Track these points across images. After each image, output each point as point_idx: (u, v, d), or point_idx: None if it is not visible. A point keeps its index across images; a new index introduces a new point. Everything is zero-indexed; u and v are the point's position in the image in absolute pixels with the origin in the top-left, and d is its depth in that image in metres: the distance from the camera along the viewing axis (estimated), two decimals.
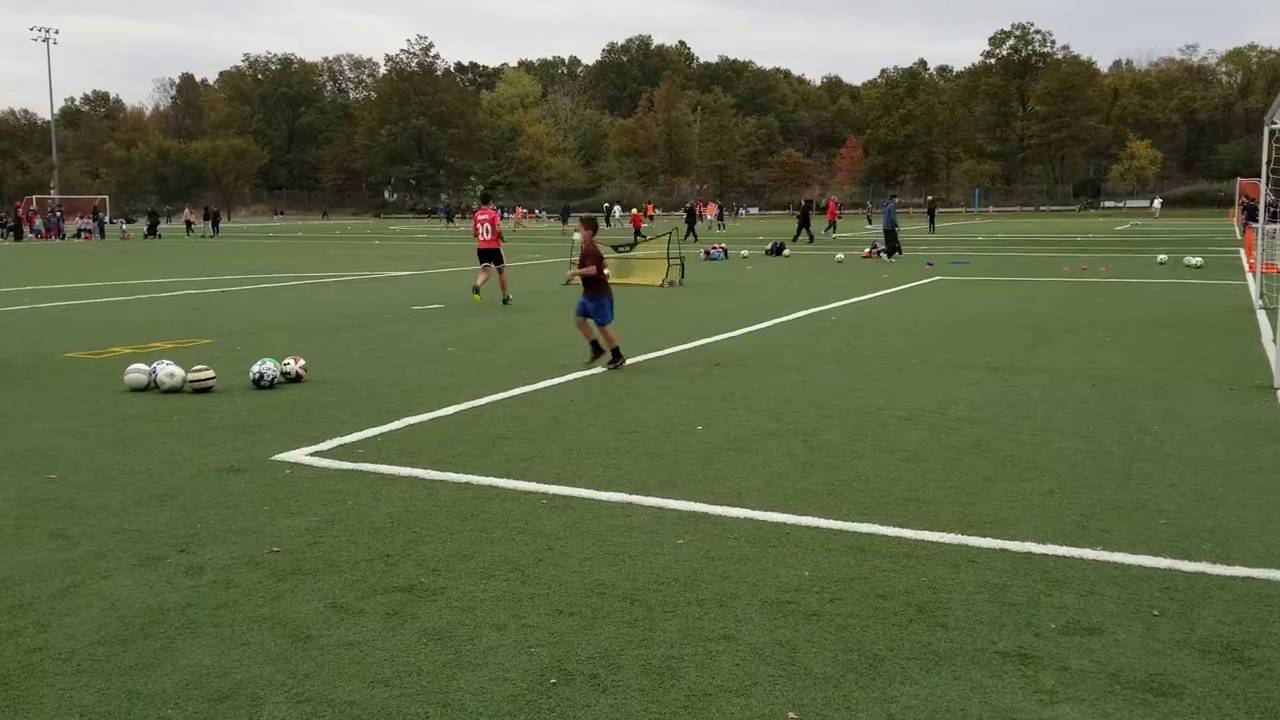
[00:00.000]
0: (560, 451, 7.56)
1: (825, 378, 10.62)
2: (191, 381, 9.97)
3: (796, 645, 4.30)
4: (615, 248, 24.42)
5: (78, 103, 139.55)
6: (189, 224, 64.84)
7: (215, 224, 61.63)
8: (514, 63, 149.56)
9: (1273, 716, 3.70)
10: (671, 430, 8.22)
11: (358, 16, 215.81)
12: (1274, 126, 14.41)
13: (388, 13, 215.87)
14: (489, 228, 18.75)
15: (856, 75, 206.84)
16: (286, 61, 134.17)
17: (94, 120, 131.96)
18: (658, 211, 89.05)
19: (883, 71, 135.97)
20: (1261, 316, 15.21)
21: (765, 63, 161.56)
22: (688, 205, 56.36)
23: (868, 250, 32.93)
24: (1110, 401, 9.28)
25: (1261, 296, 16.67)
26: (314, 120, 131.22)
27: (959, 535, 5.63)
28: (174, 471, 7.08)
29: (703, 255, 32.60)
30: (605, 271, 11.60)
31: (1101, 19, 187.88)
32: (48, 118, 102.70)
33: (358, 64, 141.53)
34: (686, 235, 43.13)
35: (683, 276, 22.86)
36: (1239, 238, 40.78)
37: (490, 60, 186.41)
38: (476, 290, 18.62)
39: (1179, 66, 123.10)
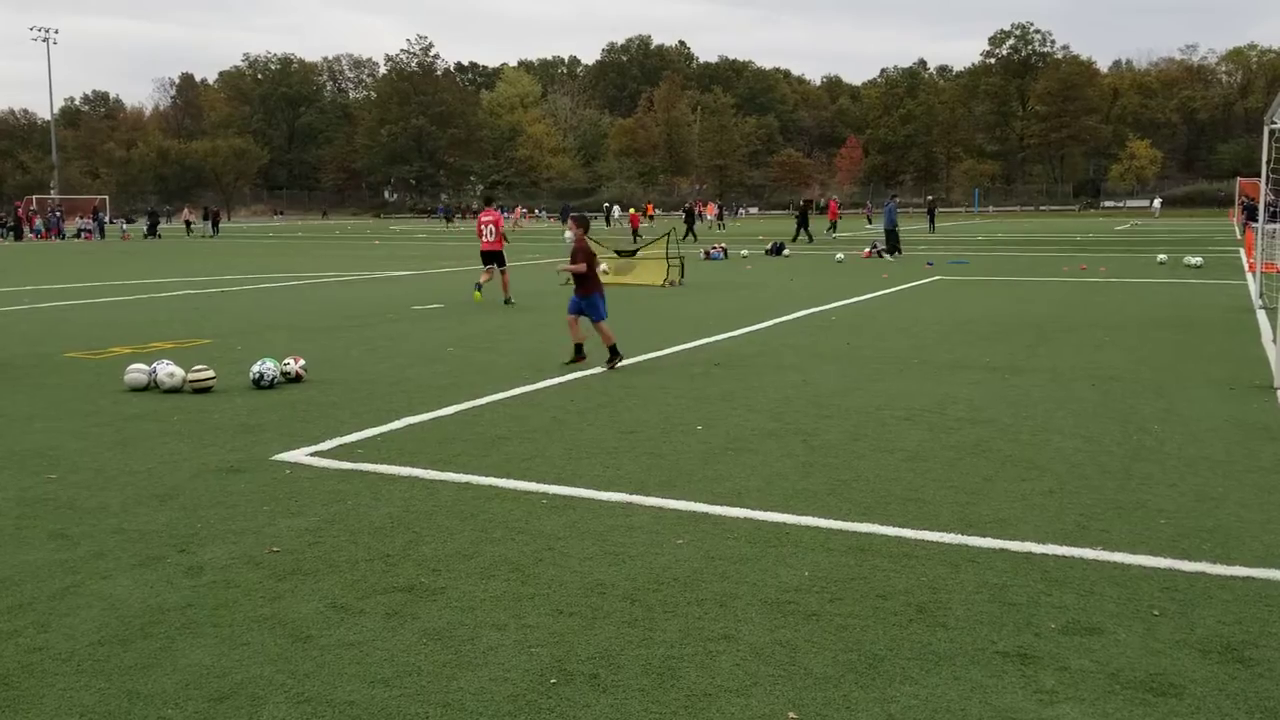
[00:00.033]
0: (560, 451, 7.56)
1: (825, 378, 10.62)
2: (191, 381, 9.98)
3: (796, 645, 4.30)
4: (619, 253, 24.43)
5: (77, 103, 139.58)
6: (188, 224, 64.89)
7: (215, 224, 61.65)
8: (514, 62, 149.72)
9: (1273, 716, 3.70)
10: (671, 430, 8.22)
11: (358, 16, 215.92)
12: (1274, 126, 14.41)
13: (388, 13, 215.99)
14: (493, 229, 18.82)
15: (856, 75, 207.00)
16: (286, 61, 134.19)
17: (94, 120, 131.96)
18: (658, 211, 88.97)
19: (883, 71, 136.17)
20: (1261, 316, 15.22)
21: (765, 63, 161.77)
22: (686, 205, 56.34)
23: (867, 250, 32.94)
24: (1110, 401, 9.28)
25: (1261, 296, 16.68)
26: (314, 120, 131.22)
27: (959, 535, 5.63)
28: (174, 471, 7.08)
29: (703, 255, 32.60)
30: (603, 266, 11.61)
31: (1101, 19, 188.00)
32: (47, 118, 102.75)
33: (358, 64, 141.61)
34: (685, 235, 43.11)
35: (682, 276, 22.86)
36: (1239, 237, 40.78)
37: (490, 60, 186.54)
38: (479, 287, 18.76)
39: (1179, 66, 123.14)
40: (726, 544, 5.54)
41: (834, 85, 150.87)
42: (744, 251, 34.23)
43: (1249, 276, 21.84)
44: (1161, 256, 29.21)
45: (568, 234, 11.71)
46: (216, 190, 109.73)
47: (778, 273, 26.42)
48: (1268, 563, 5.19)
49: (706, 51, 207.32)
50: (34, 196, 75.77)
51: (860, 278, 23.98)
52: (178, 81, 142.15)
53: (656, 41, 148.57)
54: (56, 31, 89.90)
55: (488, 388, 10.09)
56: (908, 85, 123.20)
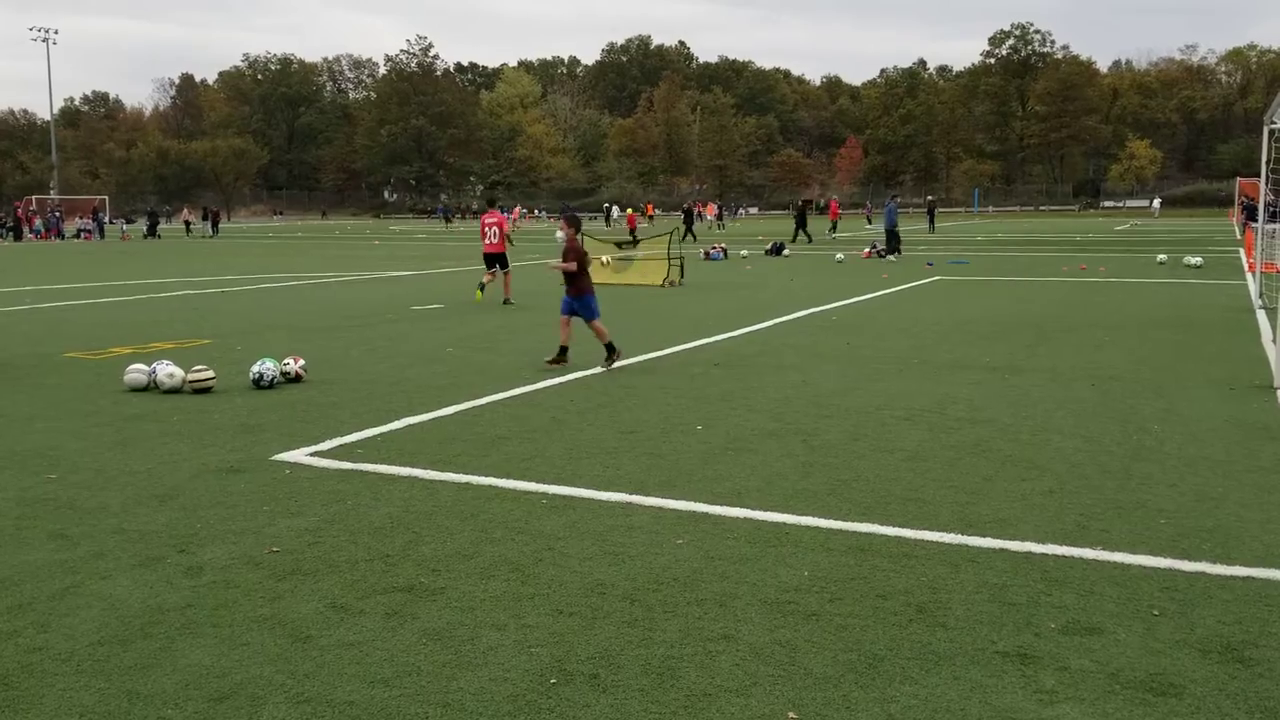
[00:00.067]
0: (560, 451, 7.56)
1: (825, 378, 10.62)
2: (191, 382, 9.97)
3: (796, 645, 4.30)
4: (619, 244, 24.49)
5: (77, 103, 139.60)
6: (188, 224, 64.89)
7: (215, 224, 61.66)
8: (513, 63, 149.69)
9: (1273, 716, 3.70)
10: (671, 430, 8.22)
11: (357, 16, 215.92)
12: (1273, 126, 14.42)
13: (387, 13, 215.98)
14: (496, 231, 18.87)
15: (856, 75, 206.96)
16: (286, 61, 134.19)
17: (93, 120, 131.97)
18: (657, 211, 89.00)
19: (882, 71, 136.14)
20: (1261, 316, 15.22)
21: (765, 63, 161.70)
22: (685, 206, 56.34)
23: (867, 250, 32.95)
24: (1110, 401, 9.28)
25: (1261, 296, 16.68)
26: (313, 120, 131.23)
27: (959, 535, 5.63)
28: (174, 471, 7.08)
29: (702, 255, 32.60)
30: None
31: (1101, 19, 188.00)
32: (47, 118, 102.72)
33: (357, 64, 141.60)
34: (684, 236, 43.07)
35: (682, 276, 22.87)
36: (1238, 237, 40.79)
37: (490, 60, 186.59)
38: (481, 288, 18.87)
39: (1178, 66, 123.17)
40: (726, 544, 5.54)
41: (834, 85, 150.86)
42: (744, 252, 34.23)
43: (1249, 276, 21.84)
44: (1161, 256, 29.22)
45: (559, 234, 11.72)
46: (216, 190, 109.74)
47: (778, 273, 26.42)
48: (1268, 563, 5.19)
49: (706, 51, 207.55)
50: (34, 197, 75.77)
51: (860, 278, 23.98)
52: (177, 82, 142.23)
53: (656, 41, 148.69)
54: (56, 32, 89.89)
55: (487, 388, 10.09)
56: (907, 85, 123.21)
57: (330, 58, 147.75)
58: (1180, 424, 8.32)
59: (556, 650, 4.26)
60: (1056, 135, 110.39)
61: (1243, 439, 7.80)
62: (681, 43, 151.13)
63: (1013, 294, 19.91)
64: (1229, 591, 4.84)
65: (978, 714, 3.72)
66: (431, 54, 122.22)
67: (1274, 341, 11.45)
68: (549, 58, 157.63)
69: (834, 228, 50.66)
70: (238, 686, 3.96)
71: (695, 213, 53.21)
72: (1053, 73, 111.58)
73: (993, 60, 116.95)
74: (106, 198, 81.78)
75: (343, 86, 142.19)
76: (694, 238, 44.46)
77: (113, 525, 5.92)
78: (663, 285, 22.29)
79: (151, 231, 59.36)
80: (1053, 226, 61.14)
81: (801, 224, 43.78)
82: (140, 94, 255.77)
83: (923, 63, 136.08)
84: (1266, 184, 14.92)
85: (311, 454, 7.52)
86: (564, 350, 11.35)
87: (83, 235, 58.61)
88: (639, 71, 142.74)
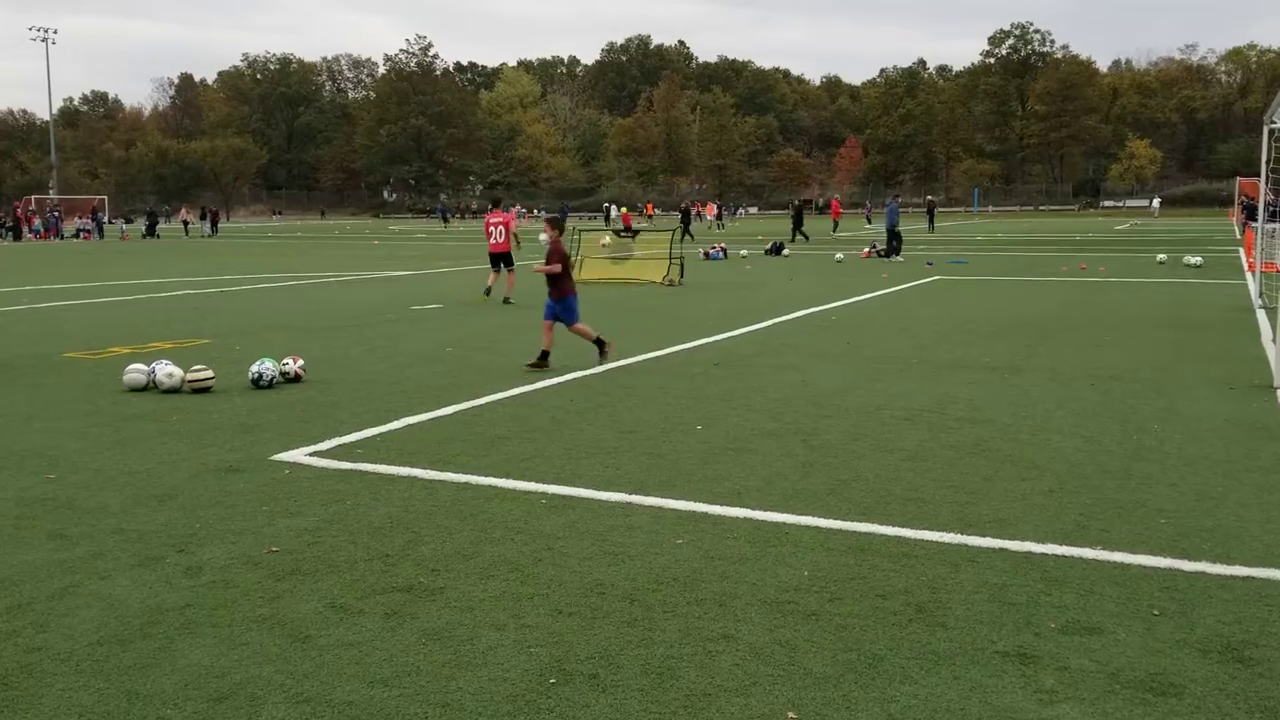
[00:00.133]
0: (560, 451, 7.55)
1: (825, 377, 10.61)
2: (190, 381, 9.97)
3: (796, 645, 4.29)
4: (617, 232, 24.53)
5: (76, 103, 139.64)
6: (186, 224, 64.87)
7: (214, 224, 61.67)
8: (513, 62, 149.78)
9: (1273, 716, 3.70)
10: (671, 430, 8.21)
11: (357, 16, 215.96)
12: (1273, 126, 14.42)
13: (387, 12, 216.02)
14: (502, 230, 18.92)
15: (856, 75, 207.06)
16: (285, 61, 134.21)
17: (93, 120, 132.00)
18: (657, 211, 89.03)
19: (882, 71, 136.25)
20: (1261, 316, 15.22)
21: (765, 62, 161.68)
22: (682, 205, 56.33)
23: (867, 250, 32.95)
24: (1110, 401, 9.27)
25: (1261, 296, 16.68)
26: (313, 120, 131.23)
27: (959, 535, 5.63)
28: (173, 471, 7.07)
29: (702, 255, 32.60)
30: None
31: (1101, 19, 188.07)
32: (46, 118, 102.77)
33: (356, 64, 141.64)
34: (682, 237, 43.01)
35: (682, 276, 22.86)
36: (1238, 237, 40.80)
37: (489, 60, 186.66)
38: (488, 291, 18.97)
39: (1178, 66, 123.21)
40: (726, 544, 5.54)
41: (833, 85, 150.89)
42: (743, 251, 34.23)
43: (1248, 276, 21.84)
44: (1161, 256, 29.22)
45: (543, 236, 11.73)
46: (215, 190, 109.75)
47: (777, 273, 26.41)
48: (1268, 562, 5.19)
49: (706, 51, 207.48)
50: (33, 197, 75.81)
51: (860, 278, 23.98)
52: (176, 81, 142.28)
53: (656, 41, 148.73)
54: (55, 31, 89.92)
55: (487, 387, 10.09)
56: (907, 85, 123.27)
57: (329, 57, 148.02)
58: (1180, 424, 8.31)
59: (556, 650, 4.26)
60: (1056, 135, 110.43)
61: (1243, 439, 7.79)
62: (681, 42, 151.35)
63: (1012, 294, 19.91)
64: (1229, 591, 4.83)
65: (978, 714, 3.72)
66: (431, 54, 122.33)
67: (1274, 341, 11.45)
68: (548, 57, 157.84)
69: (835, 227, 50.63)
70: (237, 686, 3.96)
71: (694, 213, 53.18)
72: (1052, 72, 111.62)
73: (993, 60, 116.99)
74: (105, 198, 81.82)
75: (342, 86, 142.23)
76: (691, 238, 44.34)
77: (112, 525, 5.91)
78: (662, 283, 22.28)
79: (150, 231, 59.34)
80: (1052, 226, 61.15)
81: (798, 224, 43.76)
82: (139, 94, 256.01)
83: (922, 62, 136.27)
84: (1266, 184, 14.92)
85: (311, 454, 7.52)
86: (545, 355, 11.23)
87: (82, 235, 58.60)
88: (639, 71, 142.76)
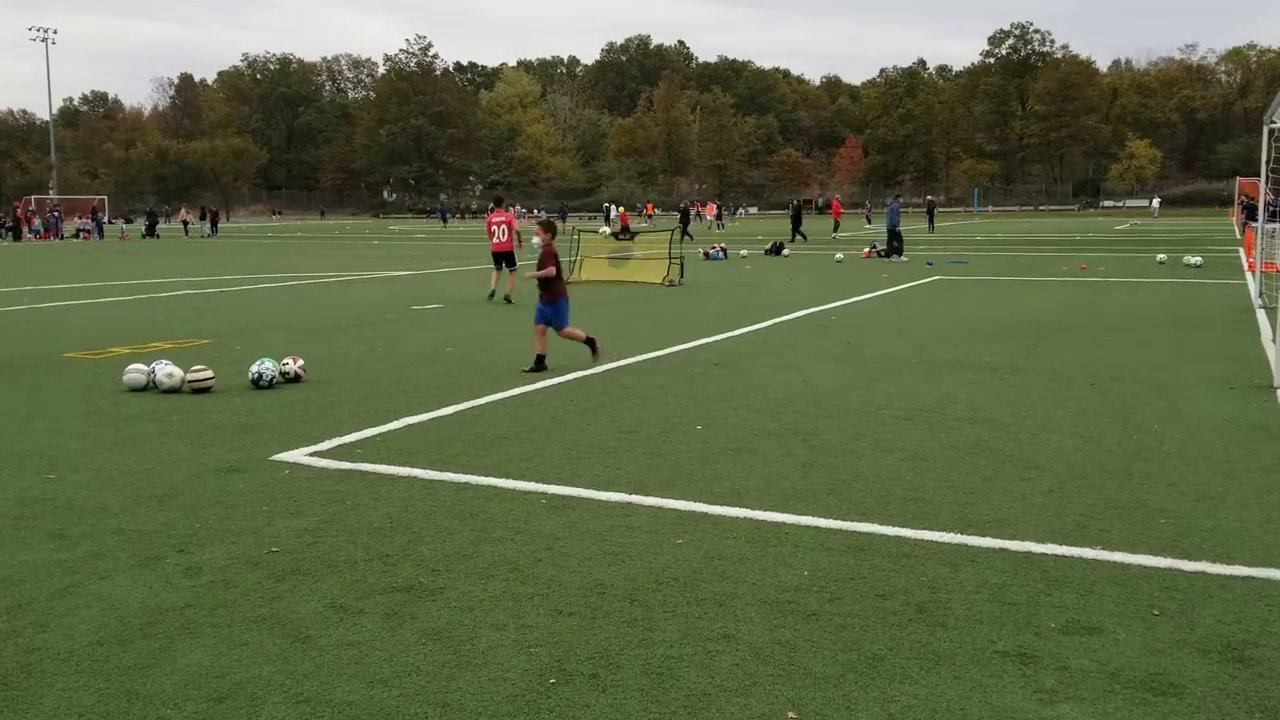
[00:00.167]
0: (560, 451, 7.55)
1: (825, 377, 10.61)
2: (190, 381, 9.97)
3: (796, 645, 4.29)
4: (615, 235, 24.53)
5: (76, 103, 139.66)
6: (185, 224, 64.89)
7: (214, 224, 61.68)
8: (513, 62, 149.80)
9: (1273, 716, 3.70)
10: (671, 430, 8.21)
11: (356, 16, 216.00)
12: (1273, 125, 14.42)
13: (386, 12, 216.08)
14: (505, 230, 18.96)
15: (856, 75, 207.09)
16: (285, 61, 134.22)
17: (92, 120, 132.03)
18: (657, 211, 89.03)
19: (882, 71, 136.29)
20: (1261, 316, 15.21)
21: (765, 62, 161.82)
22: (681, 205, 56.31)
23: (867, 250, 32.95)
24: (1110, 401, 9.27)
25: (1261, 296, 16.67)
26: (313, 120, 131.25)
27: (959, 535, 5.63)
28: (173, 471, 7.07)
29: (702, 255, 32.61)
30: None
31: (1101, 19, 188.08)
32: (46, 118, 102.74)
33: (356, 64, 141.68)
34: (681, 238, 42.98)
35: (682, 276, 22.86)
36: (1238, 237, 40.80)
37: (489, 60, 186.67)
38: (492, 295, 19.07)
39: (1178, 66, 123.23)
40: (726, 544, 5.54)
41: (833, 85, 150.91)
42: (743, 251, 34.23)
43: (1248, 276, 21.84)
44: (1161, 256, 29.22)
45: (535, 239, 11.69)
46: (215, 190, 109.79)
47: (777, 272, 26.41)
48: (1268, 562, 5.19)
49: (706, 51, 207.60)
50: (32, 197, 75.84)
51: (860, 278, 23.98)
52: (176, 81, 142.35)
53: (656, 41, 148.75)
54: (55, 31, 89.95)
55: (487, 387, 10.09)
56: (907, 85, 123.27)
57: (329, 57, 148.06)
58: (1180, 424, 8.31)
59: (556, 650, 4.26)
60: (1056, 135, 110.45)
61: (1243, 439, 7.79)
62: (681, 42, 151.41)
63: (1012, 294, 19.91)
64: (1229, 591, 4.83)
65: (978, 714, 3.72)
66: (431, 53, 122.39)
67: (1274, 341, 11.45)
68: (548, 57, 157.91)
69: (837, 227, 50.64)
70: (237, 686, 3.96)
71: (693, 213, 53.17)
72: (1052, 72, 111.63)
73: (992, 60, 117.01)
74: (105, 198, 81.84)
75: (342, 86, 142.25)
76: (690, 238, 44.26)
77: (112, 525, 5.91)
78: (662, 283, 22.29)
79: (150, 231, 59.35)
80: (1052, 226, 61.15)
81: (797, 223, 43.74)
82: (139, 94, 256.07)
83: (922, 62, 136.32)
84: (1266, 183, 14.91)
85: (311, 454, 7.51)
86: (540, 359, 11.22)
87: (82, 235, 58.61)
88: (639, 71, 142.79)
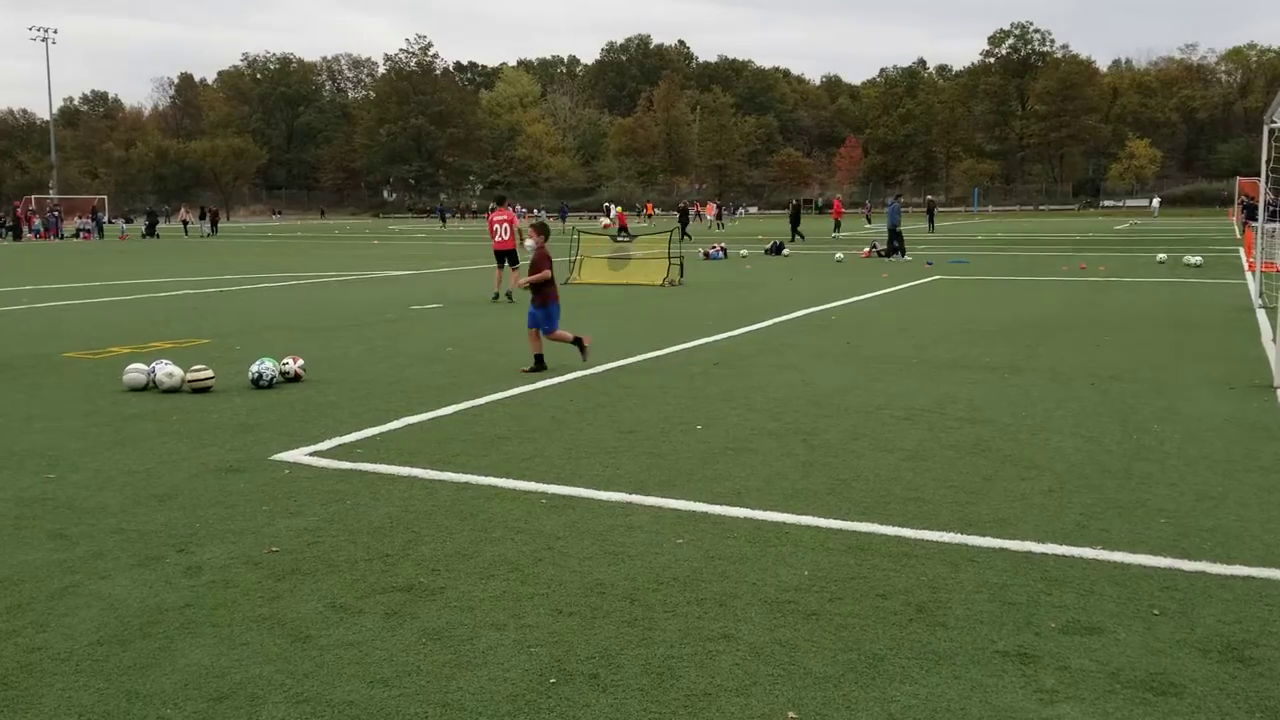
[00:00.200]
0: (560, 451, 7.55)
1: (825, 377, 10.61)
2: (190, 381, 9.97)
3: (796, 645, 4.29)
4: (614, 237, 24.55)
5: (76, 102, 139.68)
6: (185, 224, 64.90)
7: (213, 224, 61.68)
8: (513, 62, 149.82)
9: (1273, 716, 3.70)
10: (671, 430, 8.21)
11: (356, 16, 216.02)
12: (1273, 125, 14.42)
13: (386, 12, 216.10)
14: (507, 228, 19.06)
15: (856, 75, 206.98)
16: (285, 61, 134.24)
17: (93, 120, 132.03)
18: (657, 211, 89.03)
19: (882, 71, 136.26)
20: (1261, 316, 15.21)
21: (765, 62, 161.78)
22: (680, 205, 56.30)
23: (867, 250, 32.95)
24: (1110, 401, 9.27)
25: (1261, 296, 16.67)
26: (313, 120, 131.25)
27: (959, 535, 5.63)
28: (173, 471, 7.07)
29: (702, 255, 32.60)
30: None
31: (1101, 18, 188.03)
32: (46, 118, 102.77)
33: (356, 63, 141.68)
34: (681, 238, 42.97)
35: (682, 276, 22.86)
36: (1238, 237, 40.80)
37: (489, 60, 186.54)
38: (496, 296, 19.11)
39: (1178, 65, 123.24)
40: (726, 544, 5.54)
41: (833, 85, 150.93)
42: (744, 251, 34.23)
43: (1249, 276, 21.84)
44: (1161, 256, 29.22)
45: (529, 242, 11.69)
46: (215, 190, 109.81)
47: (777, 272, 26.41)
48: (1268, 562, 5.19)
49: (706, 51, 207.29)
50: (33, 196, 75.86)
51: (860, 278, 23.98)
52: (176, 81, 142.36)
53: (656, 41, 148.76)
54: (55, 31, 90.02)
55: (487, 387, 10.08)
56: (907, 85, 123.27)
57: (329, 57, 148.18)
58: (1180, 424, 8.31)
59: (556, 650, 4.26)
60: (1056, 135, 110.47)
61: (1243, 439, 7.79)
62: (681, 42, 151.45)
63: (1013, 293, 19.91)
64: (1229, 591, 4.83)
65: (978, 714, 3.72)
66: (431, 53, 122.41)
67: (1274, 341, 11.45)
68: (548, 57, 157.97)
69: (837, 227, 50.64)
70: (237, 686, 3.96)
71: (693, 213, 53.16)
72: (1052, 72, 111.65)
73: (992, 60, 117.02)
74: (105, 197, 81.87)
75: (342, 86, 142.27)
76: (689, 238, 44.22)
77: (112, 525, 5.91)
78: (662, 284, 22.28)
79: (150, 231, 59.35)
80: (1052, 226, 61.15)
81: (795, 223, 43.73)
82: (139, 94, 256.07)
83: (922, 62, 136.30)
84: (1266, 183, 14.91)
85: (311, 454, 7.51)
86: (540, 359, 11.22)
87: (82, 235, 58.62)
88: (639, 71, 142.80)
